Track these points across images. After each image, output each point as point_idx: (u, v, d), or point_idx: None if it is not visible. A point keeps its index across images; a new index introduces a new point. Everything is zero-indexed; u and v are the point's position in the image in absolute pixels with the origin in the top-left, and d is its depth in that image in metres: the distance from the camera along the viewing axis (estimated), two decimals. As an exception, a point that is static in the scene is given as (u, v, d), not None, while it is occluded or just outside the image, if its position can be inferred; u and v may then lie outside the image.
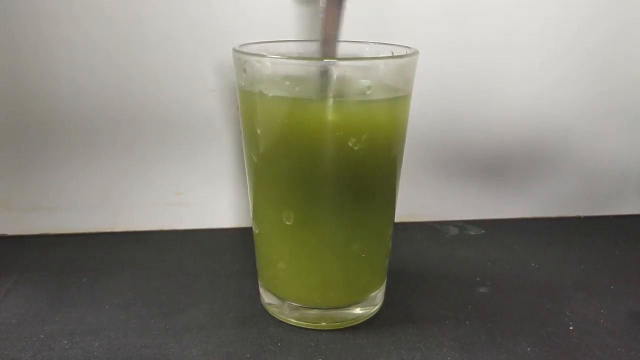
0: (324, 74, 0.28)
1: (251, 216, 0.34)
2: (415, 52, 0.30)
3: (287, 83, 0.29)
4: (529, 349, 0.31)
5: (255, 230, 0.34)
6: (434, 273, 0.39)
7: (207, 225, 0.46)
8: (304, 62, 0.30)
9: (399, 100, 0.30)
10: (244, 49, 0.30)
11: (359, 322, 0.33)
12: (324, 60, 0.29)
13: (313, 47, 0.35)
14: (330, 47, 0.31)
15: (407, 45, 0.32)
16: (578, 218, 0.50)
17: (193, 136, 0.42)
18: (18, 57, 0.39)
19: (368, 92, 0.29)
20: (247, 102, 0.30)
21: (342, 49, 0.34)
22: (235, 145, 0.43)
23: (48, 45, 0.38)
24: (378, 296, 0.35)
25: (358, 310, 0.33)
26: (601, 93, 0.45)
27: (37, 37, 0.38)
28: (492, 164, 0.46)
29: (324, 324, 0.33)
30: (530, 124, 0.45)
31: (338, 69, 0.28)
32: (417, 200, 0.47)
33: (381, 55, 0.32)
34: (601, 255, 0.43)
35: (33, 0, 0.37)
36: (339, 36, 0.31)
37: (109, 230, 0.45)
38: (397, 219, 0.35)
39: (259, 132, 0.29)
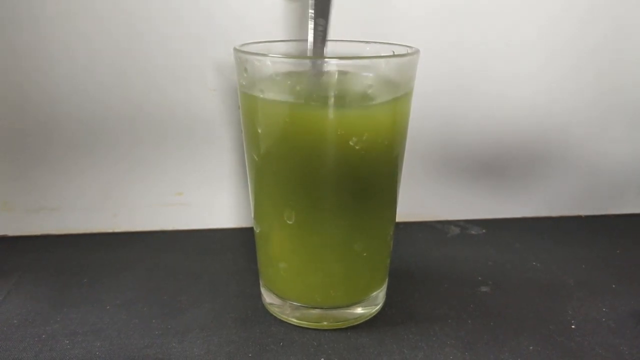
0: (319, 73, 0.28)
1: (252, 216, 0.34)
2: (416, 52, 0.30)
3: (288, 82, 0.29)
4: (531, 347, 0.31)
5: (257, 230, 0.34)
6: (436, 272, 0.39)
7: (208, 225, 0.46)
8: (305, 61, 0.30)
9: (400, 99, 0.30)
10: (245, 49, 0.30)
11: (361, 321, 0.33)
12: (325, 59, 0.29)
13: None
14: (319, 47, 0.31)
15: (407, 45, 0.32)
16: (579, 217, 0.50)
17: (193, 136, 0.42)
18: (18, 59, 0.39)
19: (369, 91, 0.29)
20: (248, 101, 0.30)
21: (344, 48, 0.34)
22: (236, 144, 0.43)
23: (47, 48, 0.38)
24: (379, 296, 0.35)
25: (360, 310, 0.33)
26: (602, 92, 0.45)
27: (36, 40, 0.38)
28: (493, 163, 0.46)
29: (325, 323, 0.33)
30: (531, 123, 0.45)
31: (339, 67, 0.28)
32: (418, 200, 0.47)
33: (382, 55, 0.32)
34: (603, 254, 0.43)
35: (31, 3, 0.37)
36: (327, 35, 0.31)
37: (109, 230, 0.45)
38: (398, 219, 0.35)
39: (259, 131, 0.29)
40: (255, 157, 0.30)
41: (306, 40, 0.37)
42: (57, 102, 0.40)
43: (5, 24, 0.38)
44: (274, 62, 0.29)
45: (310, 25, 0.31)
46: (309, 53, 0.31)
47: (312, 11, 0.30)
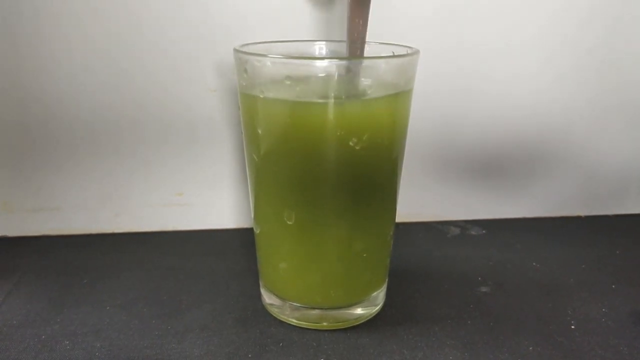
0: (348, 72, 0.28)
1: (252, 216, 0.34)
2: (416, 52, 0.30)
3: (288, 83, 0.29)
4: (531, 348, 0.31)
5: (257, 230, 0.34)
6: (436, 273, 0.39)
7: (208, 225, 0.46)
8: (305, 61, 0.30)
9: (399, 100, 0.30)
10: (245, 49, 0.30)
11: (361, 322, 0.33)
12: (325, 60, 0.29)
13: (314, 47, 0.35)
14: (357, 47, 0.31)
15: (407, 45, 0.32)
16: (579, 217, 0.50)
17: (194, 137, 0.42)
18: (19, 58, 0.39)
19: (369, 92, 0.29)
20: (248, 102, 0.30)
21: (344, 48, 0.34)
22: (236, 145, 0.43)
23: (49, 47, 0.38)
24: (379, 296, 0.35)
25: (359, 310, 0.33)
26: (601, 92, 0.45)
27: (37, 39, 0.38)
28: (493, 163, 0.46)
29: (325, 324, 0.33)
30: (531, 123, 0.45)
31: (339, 68, 0.28)
32: (418, 200, 0.47)
33: (382, 55, 0.32)
34: (602, 254, 0.43)
35: (34, 3, 0.37)
36: (365, 36, 0.31)
37: (110, 231, 0.45)
38: (398, 219, 0.35)
39: (259, 132, 0.29)
40: (255, 158, 0.30)
41: (306, 41, 0.37)
42: (57, 102, 0.40)
43: (7, 23, 0.38)
44: (274, 62, 0.29)
45: (347, 25, 0.31)
46: (346, 53, 0.31)
47: (350, 12, 0.30)
